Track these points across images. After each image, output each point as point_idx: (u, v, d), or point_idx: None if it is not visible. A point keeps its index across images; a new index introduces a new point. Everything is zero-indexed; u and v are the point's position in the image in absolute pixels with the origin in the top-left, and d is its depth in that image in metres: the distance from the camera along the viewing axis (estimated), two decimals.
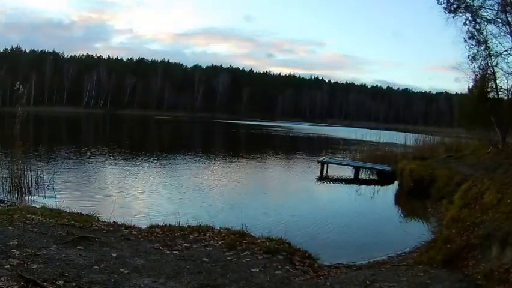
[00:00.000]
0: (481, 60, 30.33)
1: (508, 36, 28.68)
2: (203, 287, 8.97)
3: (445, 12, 29.74)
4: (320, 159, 36.41)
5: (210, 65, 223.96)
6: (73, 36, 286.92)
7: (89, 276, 8.47)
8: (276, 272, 10.29)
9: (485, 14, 29.30)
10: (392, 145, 46.53)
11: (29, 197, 21.16)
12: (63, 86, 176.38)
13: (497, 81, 30.94)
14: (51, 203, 17.71)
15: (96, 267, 9.15)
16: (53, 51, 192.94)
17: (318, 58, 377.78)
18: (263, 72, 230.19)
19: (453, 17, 29.69)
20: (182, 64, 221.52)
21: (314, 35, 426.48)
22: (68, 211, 14.83)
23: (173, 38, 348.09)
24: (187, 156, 43.69)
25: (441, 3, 29.88)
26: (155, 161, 38.98)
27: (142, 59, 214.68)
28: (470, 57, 30.38)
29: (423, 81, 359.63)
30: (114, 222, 14.02)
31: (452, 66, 33.38)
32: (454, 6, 29.44)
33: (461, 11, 29.51)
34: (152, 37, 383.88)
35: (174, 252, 11.18)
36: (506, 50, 29.16)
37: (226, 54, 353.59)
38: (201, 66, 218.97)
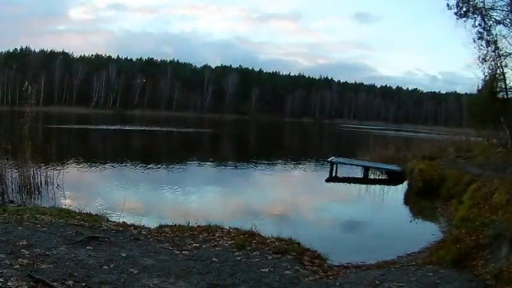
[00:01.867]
0: (491, 61, 30.32)
1: None
2: (212, 287, 8.98)
3: (456, 18, 29.73)
4: (329, 159, 36.34)
5: (219, 65, 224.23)
6: (28, 15, 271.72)
7: (99, 276, 8.50)
8: (286, 272, 10.30)
9: (494, 15, 29.28)
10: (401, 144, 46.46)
11: (39, 197, 21.20)
12: (72, 86, 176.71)
13: (507, 82, 30.94)
14: (61, 203, 17.76)
15: (105, 267, 9.19)
16: (63, 51, 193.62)
17: (335, 40, 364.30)
18: (272, 72, 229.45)
19: (464, 21, 29.71)
20: (191, 64, 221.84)
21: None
22: (77, 211, 14.91)
23: (148, 9, 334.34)
24: (196, 159, 43.75)
25: (451, 8, 29.88)
26: (164, 163, 39.00)
27: (152, 58, 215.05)
28: (480, 59, 30.39)
29: None
30: (123, 222, 14.09)
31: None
32: (464, 9, 29.41)
33: (471, 13, 29.48)
34: (115, 7, 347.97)
35: (183, 252, 11.21)
36: None
37: (227, 39, 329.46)
38: (210, 66, 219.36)
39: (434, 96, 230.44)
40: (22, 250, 9.37)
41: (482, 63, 30.72)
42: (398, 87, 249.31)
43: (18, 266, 8.30)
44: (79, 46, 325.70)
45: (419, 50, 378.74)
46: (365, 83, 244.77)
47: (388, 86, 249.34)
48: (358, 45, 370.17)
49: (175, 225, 14.13)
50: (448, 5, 29.94)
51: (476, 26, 29.58)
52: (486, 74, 31.79)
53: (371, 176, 35.50)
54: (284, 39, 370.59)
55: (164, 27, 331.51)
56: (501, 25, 29.17)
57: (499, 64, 30.43)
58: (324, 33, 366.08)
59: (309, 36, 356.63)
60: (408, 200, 27.32)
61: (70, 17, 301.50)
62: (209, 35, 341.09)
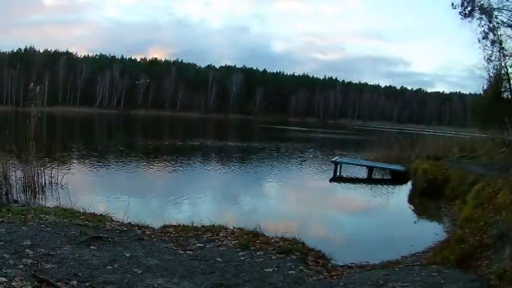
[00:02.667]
0: (496, 61, 30.32)
1: None
2: (216, 287, 8.99)
3: (461, 18, 29.71)
4: (333, 159, 36.35)
5: (223, 65, 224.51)
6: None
7: (103, 276, 8.51)
8: (290, 272, 10.29)
9: (499, 15, 29.26)
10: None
11: (43, 197, 21.23)
12: (76, 86, 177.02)
13: (511, 82, 30.93)
14: (65, 203, 17.74)
15: (109, 267, 9.20)
16: (67, 51, 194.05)
17: (353, 28, 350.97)
18: (276, 72, 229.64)
19: (469, 21, 29.69)
20: (195, 64, 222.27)
21: None
22: (81, 211, 14.91)
23: None
24: (201, 158, 43.76)
25: (455, 8, 29.85)
26: (167, 162, 38.99)
27: (156, 58, 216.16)
28: (485, 58, 30.38)
29: None
30: (128, 222, 14.05)
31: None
32: (468, 9, 29.38)
33: (476, 13, 29.47)
34: None
35: (188, 252, 11.22)
36: None
37: (228, 27, 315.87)
38: (214, 66, 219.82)
39: (438, 96, 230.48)
40: (26, 250, 9.39)
41: (487, 63, 30.74)
42: (402, 87, 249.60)
43: (22, 266, 8.32)
44: (62, 40, 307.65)
45: (455, 41, 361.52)
46: (369, 83, 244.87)
47: (393, 85, 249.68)
48: (379, 35, 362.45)
49: (179, 225, 14.15)
50: (452, 4, 29.94)
51: (482, 26, 29.57)
52: (491, 74, 31.80)
53: (375, 176, 35.47)
54: (295, 25, 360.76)
55: (155, 13, 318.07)
56: (506, 25, 29.17)
57: (503, 64, 30.47)
58: (340, 20, 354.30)
59: (323, 22, 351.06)
60: (412, 200, 27.30)
61: (44, 3, 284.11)
62: (204, 21, 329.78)
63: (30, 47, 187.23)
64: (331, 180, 33.69)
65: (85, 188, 24.49)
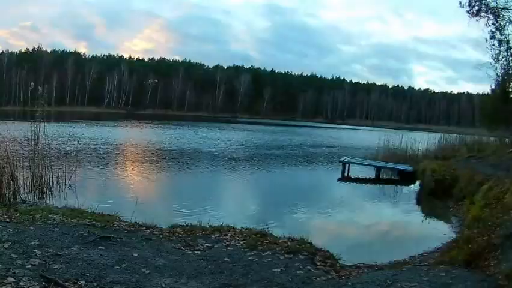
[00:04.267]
0: (503, 60, 30.25)
1: None
2: (224, 287, 8.99)
3: (468, 16, 29.63)
4: (341, 159, 36.28)
5: (231, 65, 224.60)
6: None
7: (111, 276, 8.53)
8: (298, 272, 10.30)
9: (507, 14, 29.20)
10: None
11: (51, 197, 21.23)
12: (84, 86, 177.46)
13: None
14: (73, 203, 17.78)
15: (117, 267, 9.22)
16: (75, 51, 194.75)
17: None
18: (285, 72, 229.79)
19: (476, 20, 29.62)
20: (203, 64, 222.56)
21: None
22: (89, 211, 14.99)
23: None
24: (213, 159, 43.72)
25: (463, 7, 29.79)
26: (175, 162, 38.98)
27: (164, 58, 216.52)
28: (493, 58, 30.30)
29: None
30: (135, 222, 14.06)
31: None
32: (476, 8, 29.32)
33: (483, 12, 29.39)
34: None
35: (196, 252, 11.23)
36: None
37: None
38: (222, 66, 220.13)
39: (446, 96, 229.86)
40: (34, 250, 9.42)
41: (495, 63, 30.65)
42: (410, 87, 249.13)
43: (30, 266, 8.36)
44: (15, 21, 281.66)
45: None
46: (377, 83, 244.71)
47: (400, 86, 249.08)
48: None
49: (187, 225, 14.17)
50: (460, 3, 29.88)
51: (489, 26, 29.51)
52: (499, 73, 31.70)
53: (383, 176, 35.40)
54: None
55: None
56: None
57: (511, 64, 30.33)
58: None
59: None
60: (420, 200, 27.25)
61: None
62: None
63: (39, 46, 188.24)
64: (339, 180, 33.66)
65: (93, 188, 24.48)
